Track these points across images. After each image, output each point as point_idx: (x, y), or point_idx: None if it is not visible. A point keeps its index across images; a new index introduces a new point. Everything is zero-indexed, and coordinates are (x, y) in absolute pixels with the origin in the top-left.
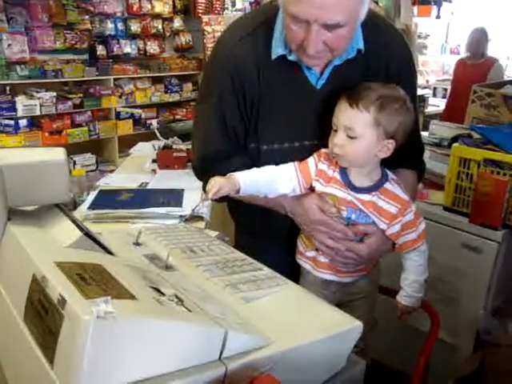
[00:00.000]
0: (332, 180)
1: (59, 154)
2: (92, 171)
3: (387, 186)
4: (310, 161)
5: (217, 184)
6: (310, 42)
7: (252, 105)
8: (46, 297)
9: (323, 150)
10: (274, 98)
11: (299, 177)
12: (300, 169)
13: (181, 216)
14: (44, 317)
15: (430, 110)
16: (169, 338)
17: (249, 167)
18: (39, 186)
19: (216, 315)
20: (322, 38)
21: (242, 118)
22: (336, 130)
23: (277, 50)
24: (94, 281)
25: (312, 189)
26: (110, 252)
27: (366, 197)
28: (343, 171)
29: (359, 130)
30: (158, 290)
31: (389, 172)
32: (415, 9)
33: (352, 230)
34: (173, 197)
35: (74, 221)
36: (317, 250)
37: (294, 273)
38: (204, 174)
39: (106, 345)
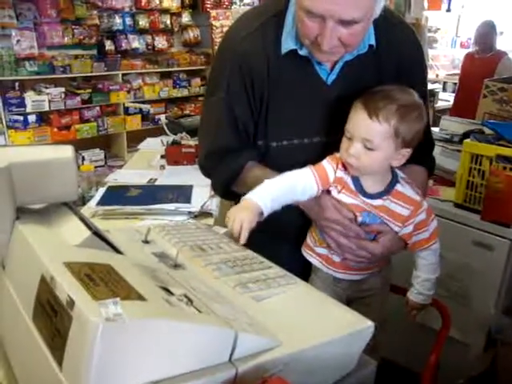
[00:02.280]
0: (345, 187)
1: (67, 151)
2: (100, 166)
3: (398, 187)
4: (328, 167)
5: (244, 223)
6: (324, 38)
7: (261, 100)
8: (55, 298)
9: (338, 156)
10: (283, 93)
11: (319, 184)
12: (319, 177)
13: (189, 212)
14: (53, 318)
15: (440, 104)
16: (178, 339)
17: (258, 162)
18: (47, 184)
19: (226, 316)
20: (337, 34)
21: (252, 112)
22: (350, 139)
23: (287, 45)
24: (102, 281)
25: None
26: (118, 251)
27: (378, 202)
28: (356, 177)
29: (378, 141)
30: (168, 290)
31: (399, 172)
32: (425, 2)
33: (365, 229)
34: (181, 193)
35: (82, 219)
36: (328, 246)
37: (304, 269)
38: (211, 170)
39: (115, 347)
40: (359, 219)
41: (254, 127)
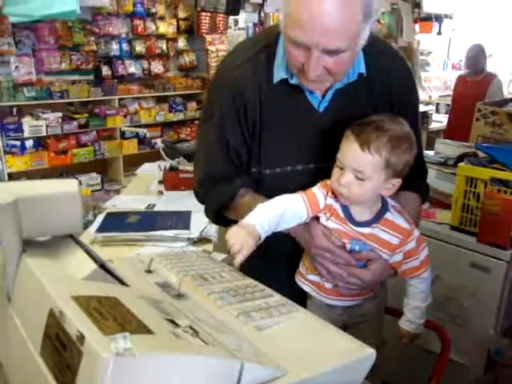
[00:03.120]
0: (333, 214)
1: (72, 185)
2: (97, 191)
3: (388, 216)
4: (318, 194)
5: (240, 243)
6: (310, 67)
7: (254, 128)
8: (64, 332)
9: (328, 182)
10: (275, 121)
11: (308, 211)
12: (309, 203)
13: (189, 239)
14: (62, 352)
15: (433, 126)
16: (186, 372)
17: (251, 187)
18: (53, 217)
19: (231, 347)
20: (323, 63)
21: (245, 140)
22: (342, 168)
23: (279, 74)
24: (110, 315)
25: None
26: (123, 283)
27: (366, 230)
28: (345, 205)
29: (369, 172)
30: (173, 322)
31: (389, 200)
32: (417, 26)
33: (355, 257)
34: (180, 219)
35: (87, 252)
36: (320, 273)
37: (301, 295)
38: (205, 196)
39: (125, 381)
40: (348, 246)
41: (247, 155)
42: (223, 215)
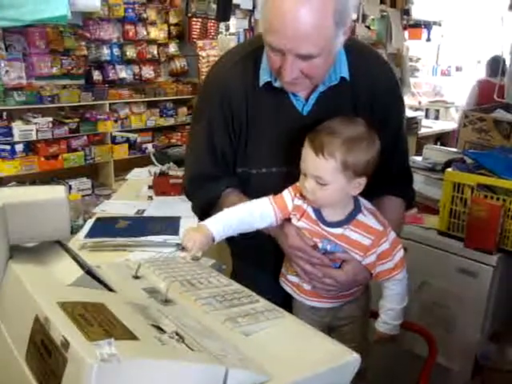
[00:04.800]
0: (304, 215)
1: (60, 192)
2: (87, 195)
3: (359, 217)
4: (286, 196)
5: (196, 242)
6: (285, 71)
7: (240, 130)
8: (49, 338)
9: (298, 185)
10: (261, 123)
11: (276, 212)
12: (277, 205)
13: (178, 244)
14: (47, 359)
15: (422, 131)
16: (171, 378)
17: (237, 188)
18: (40, 223)
19: (217, 352)
20: (298, 67)
21: (231, 142)
22: (305, 175)
23: (263, 77)
24: (96, 321)
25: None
26: (110, 288)
27: (337, 230)
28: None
29: (328, 177)
30: (159, 328)
31: (362, 201)
32: (406, 32)
33: (329, 257)
34: (170, 224)
35: (74, 258)
36: (298, 275)
37: (288, 299)
38: (192, 194)
39: None
40: (319, 245)
41: (233, 155)
42: (209, 213)
